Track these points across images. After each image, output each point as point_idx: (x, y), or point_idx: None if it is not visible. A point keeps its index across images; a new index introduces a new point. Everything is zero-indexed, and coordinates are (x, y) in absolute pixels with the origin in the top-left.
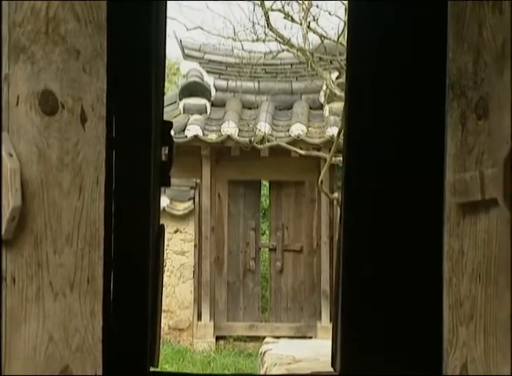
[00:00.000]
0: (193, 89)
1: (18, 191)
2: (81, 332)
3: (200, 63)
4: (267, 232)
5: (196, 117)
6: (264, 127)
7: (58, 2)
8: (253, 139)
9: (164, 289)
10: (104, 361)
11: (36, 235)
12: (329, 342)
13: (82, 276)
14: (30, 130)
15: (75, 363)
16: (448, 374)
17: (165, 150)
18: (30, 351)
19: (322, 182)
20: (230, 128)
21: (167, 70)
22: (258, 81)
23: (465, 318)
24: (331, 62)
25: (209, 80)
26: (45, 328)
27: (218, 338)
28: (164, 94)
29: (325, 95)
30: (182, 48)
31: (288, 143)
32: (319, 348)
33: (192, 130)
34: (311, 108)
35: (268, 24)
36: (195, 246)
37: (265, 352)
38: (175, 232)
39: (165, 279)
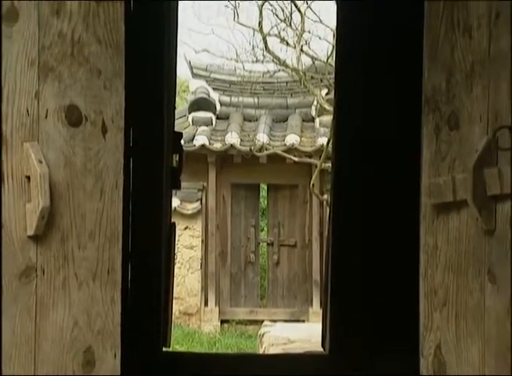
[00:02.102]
0: (201, 104)
1: (47, 193)
2: (103, 317)
3: (206, 81)
4: (265, 229)
5: (203, 128)
6: (262, 137)
7: (82, 27)
8: (253, 147)
9: (175, 279)
10: (122, 342)
11: (63, 232)
12: (320, 325)
13: (103, 268)
14: (57, 140)
15: (97, 344)
16: (424, 354)
17: (176, 157)
18: (58, 333)
19: (313, 185)
20: (233, 138)
21: (177, 88)
22: (258, 97)
23: (439, 305)
24: (321, 80)
25: (214, 96)
26: (71, 313)
27: (222, 322)
28: (175, 108)
29: (316, 110)
30: (191, 68)
31: (284, 151)
32: (311, 331)
33: (200, 140)
34: (303, 120)
35: (266, 47)
36: (202, 241)
37: (263, 334)
38: (185, 229)
39: (176, 270)
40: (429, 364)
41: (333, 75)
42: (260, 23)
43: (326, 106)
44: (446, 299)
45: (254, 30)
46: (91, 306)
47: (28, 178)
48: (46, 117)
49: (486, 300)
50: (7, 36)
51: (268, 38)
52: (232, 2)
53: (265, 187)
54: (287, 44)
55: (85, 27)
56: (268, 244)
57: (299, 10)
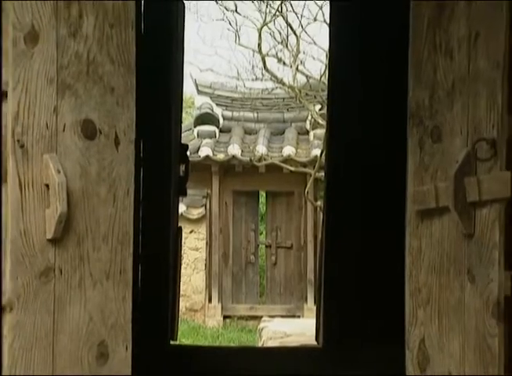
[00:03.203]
0: (205, 118)
1: (64, 200)
2: (115, 313)
3: (210, 98)
4: (264, 232)
5: (208, 140)
6: (261, 149)
7: (96, 49)
8: (252, 158)
9: (181, 278)
10: (133, 336)
11: (79, 235)
12: (314, 321)
13: (116, 269)
14: (74, 151)
15: (110, 338)
16: (410, 347)
17: (182, 167)
18: (74, 328)
19: (308, 192)
20: (234, 150)
21: (184, 104)
22: (257, 112)
23: (422, 302)
24: (315, 97)
25: (218, 111)
26: (86, 310)
27: (224, 317)
28: (181, 122)
29: (310, 124)
30: (196, 85)
31: (281, 162)
32: (306, 326)
33: (204, 151)
34: (299, 133)
35: (265, 67)
36: (206, 243)
37: (262, 329)
38: (191, 232)
39: (182, 270)
40: (414, 356)
41: (325, 92)
42: (259, 45)
43: (320, 121)
44: (429, 297)
45: (253, 51)
46: (105, 303)
47: (47, 186)
48: (64, 130)
49: (466, 298)
50: (28, 56)
51: (266, 58)
52: (234, 26)
53: (264, 194)
54: (284, 63)
55: (100, 48)
56: (266, 246)
57: (295, 33)
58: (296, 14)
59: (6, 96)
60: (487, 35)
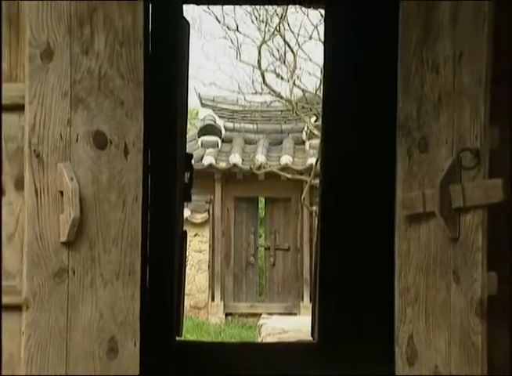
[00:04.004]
0: (208, 129)
1: (77, 206)
2: (124, 311)
3: (213, 110)
4: (263, 235)
5: (211, 150)
6: (261, 157)
7: (107, 65)
8: (252, 166)
9: (186, 278)
10: (141, 332)
11: (90, 238)
12: (309, 318)
13: (125, 270)
14: (86, 160)
15: (120, 334)
16: (399, 343)
17: (187, 175)
18: (86, 324)
19: (304, 198)
20: (236, 159)
21: (189, 116)
22: (256, 124)
23: (411, 301)
24: (310, 109)
25: (220, 123)
26: (98, 308)
27: (226, 315)
28: (186, 133)
29: (306, 134)
30: (200, 99)
31: (279, 170)
32: (302, 322)
33: (208, 160)
34: (295, 143)
35: (264, 82)
36: (209, 246)
37: (261, 325)
38: (195, 235)
39: (187, 270)
40: (403, 352)
41: (320, 105)
42: (258, 61)
43: (315, 132)
44: (417, 296)
45: (253, 67)
46: (115, 302)
47: (61, 193)
48: (77, 141)
49: (451, 297)
50: (44, 71)
51: (265, 74)
52: (235, 43)
53: (263, 200)
54: (282, 78)
55: (110, 64)
56: (265, 249)
57: (292, 50)
58: (293, 33)
59: (23, 109)
60: (470, 54)
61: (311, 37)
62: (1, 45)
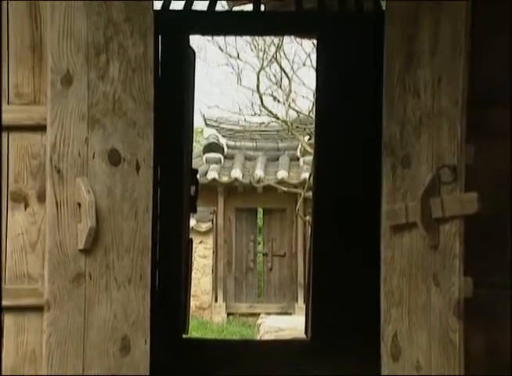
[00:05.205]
0: (212, 147)
1: (93, 216)
2: (136, 312)
3: (216, 130)
4: (261, 242)
5: (214, 165)
6: (259, 172)
7: (121, 89)
8: (252, 180)
9: (192, 281)
10: (151, 331)
11: (105, 246)
12: (303, 317)
13: (136, 274)
14: (101, 175)
15: (131, 333)
16: (384, 341)
17: (193, 188)
18: (101, 324)
19: (298, 209)
20: (237, 173)
21: (194, 135)
22: (255, 142)
23: (395, 303)
24: (304, 129)
25: (223, 141)
26: (112, 309)
27: (228, 314)
28: (192, 150)
29: (300, 151)
30: (205, 119)
31: (276, 183)
32: (297, 322)
33: (212, 174)
34: (291, 160)
35: (262, 104)
36: (213, 252)
37: (260, 324)
38: (200, 243)
39: (193, 274)
40: (388, 348)
41: (313, 125)
42: (257, 86)
43: (308, 149)
44: (401, 298)
45: (252, 90)
46: (127, 304)
47: (79, 204)
48: (93, 158)
49: (431, 299)
50: (64, 95)
51: (263, 97)
52: (236, 70)
53: (261, 211)
54: (278, 101)
55: (123, 89)
56: (263, 255)
57: (287, 76)
58: (288, 60)
59: (45, 129)
60: (448, 79)
61: (304, 64)
62: (1, 59)
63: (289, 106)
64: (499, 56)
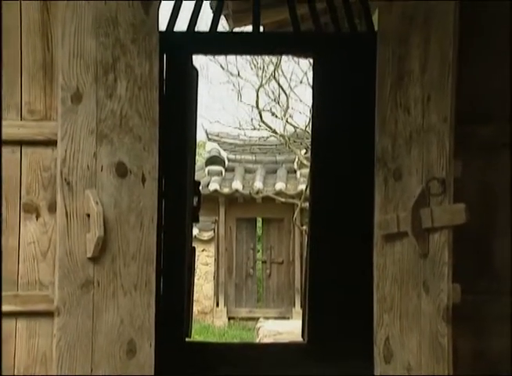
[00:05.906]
0: (214, 160)
1: (101, 226)
2: (141, 317)
3: (218, 144)
4: (261, 250)
5: (216, 177)
6: (258, 184)
7: (128, 106)
8: (251, 191)
9: (194, 287)
10: (156, 335)
11: (113, 254)
12: (300, 322)
13: (142, 281)
14: (109, 187)
15: (137, 337)
16: (377, 344)
17: (196, 199)
18: (109, 328)
19: (295, 219)
20: (237, 185)
21: (197, 148)
22: (255, 155)
23: (387, 308)
24: (301, 143)
25: (224, 154)
26: (119, 315)
27: (229, 319)
28: (195, 163)
29: (297, 164)
30: (207, 134)
31: (274, 195)
32: (294, 326)
33: (213, 186)
34: (288, 172)
35: (261, 119)
36: (214, 260)
37: (259, 328)
38: (202, 251)
39: (195, 281)
40: (380, 351)
41: (309, 140)
42: (256, 102)
43: (305, 162)
44: (392, 304)
45: (252, 106)
46: (133, 309)
47: (88, 215)
48: (101, 170)
49: (422, 305)
50: (73, 112)
51: (262, 113)
52: (237, 87)
53: (261, 220)
54: (276, 117)
55: (130, 105)
56: (262, 262)
57: (285, 93)
58: (286, 78)
59: (56, 144)
60: (437, 97)
61: (301, 82)
62: (1, 71)
63: (286, 121)
64: (485, 74)
